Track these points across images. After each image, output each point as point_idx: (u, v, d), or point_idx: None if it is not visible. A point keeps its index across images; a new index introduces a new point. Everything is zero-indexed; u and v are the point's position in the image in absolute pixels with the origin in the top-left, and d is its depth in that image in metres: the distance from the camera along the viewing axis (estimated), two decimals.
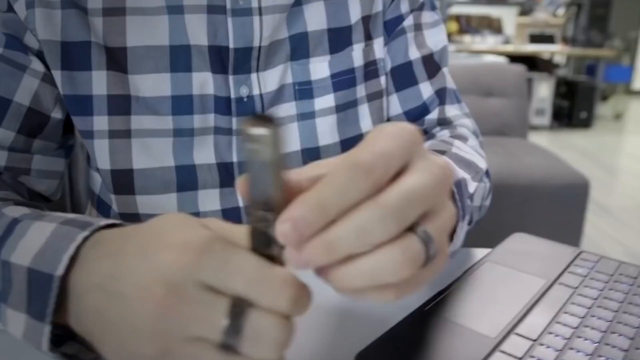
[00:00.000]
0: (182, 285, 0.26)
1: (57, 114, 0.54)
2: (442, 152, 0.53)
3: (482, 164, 0.57)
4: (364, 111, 0.60)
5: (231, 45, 0.53)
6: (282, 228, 0.24)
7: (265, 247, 0.26)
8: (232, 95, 0.54)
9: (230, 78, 0.54)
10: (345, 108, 0.59)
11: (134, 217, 0.56)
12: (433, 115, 0.63)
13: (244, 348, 0.25)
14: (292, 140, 0.57)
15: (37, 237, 0.34)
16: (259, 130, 0.23)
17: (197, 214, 0.56)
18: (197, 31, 0.52)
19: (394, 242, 0.25)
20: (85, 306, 0.29)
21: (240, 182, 0.27)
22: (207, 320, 0.25)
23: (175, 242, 0.27)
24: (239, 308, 0.25)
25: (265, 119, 0.24)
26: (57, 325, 0.32)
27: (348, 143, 0.59)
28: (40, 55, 0.51)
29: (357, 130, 0.60)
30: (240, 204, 0.56)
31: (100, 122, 0.53)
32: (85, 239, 0.32)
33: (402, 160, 0.26)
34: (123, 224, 0.34)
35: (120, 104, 0.53)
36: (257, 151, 0.24)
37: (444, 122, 0.63)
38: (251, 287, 0.25)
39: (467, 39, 5.25)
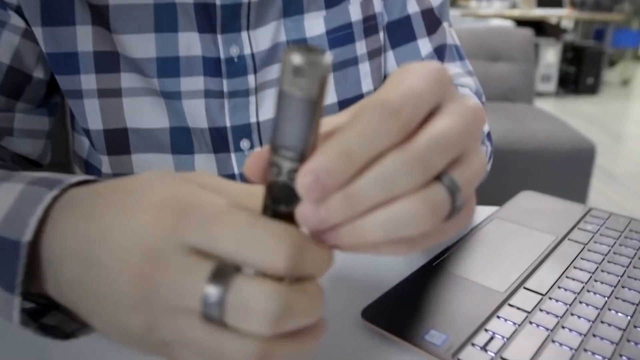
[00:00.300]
0: (162, 250, 0.23)
1: (39, 74, 0.51)
2: None
3: (484, 127, 0.55)
4: (365, 70, 0.57)
5: (218, 2, 0.49)
6: (304, 181, 0.21)
7: (287, 204, 0.23)
8: (222, 56, 0.51)
9: (219, 37, 0.51)
10: (343, 66, 0.56)
11: None
12: None
13: (229, 320, 0.22)
14: None
15: (3, 201, 0.30)
16: (306, 61, 0.20)
17: None
18: None
19: (418, 192, 0.22)
20: (64, 274, 0.26)
21: (248, 161, 0.24)
22: (186, 288, 0.22)
23: (154, 201, 0.24)
24: (224, 273, 0.22)
25: (311, 50, 0.21)
26: (37, 295, 0.29)
27: (347, 104, 0.56)
28: (19, 11, 0.48)
29: (357, 90, 0.57)
30: (236, 171, 0.55)
31: (88, 80, 0.50)
32: (55, 198, 0.28)
33: (432, 102, 0.23)
34: (97, 179, 0.30)
35: (109, 61, 0.50)
36: (300, 86, 0.21)
37: None
38: (240, 246, 0.22)
39: (473, 3, 5.14)
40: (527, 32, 2.44)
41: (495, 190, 1.61)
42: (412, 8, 0.58)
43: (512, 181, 1.88)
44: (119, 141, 0.53)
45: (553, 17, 5.10)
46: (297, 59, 0.21)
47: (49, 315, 0.30)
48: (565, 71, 5.02)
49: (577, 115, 4.23)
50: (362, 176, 0.22)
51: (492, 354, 0.32)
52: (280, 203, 0.24)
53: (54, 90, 0.55)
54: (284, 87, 0.21)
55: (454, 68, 0.61)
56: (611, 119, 4.18)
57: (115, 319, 0.24)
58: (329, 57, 0.21)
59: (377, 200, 0.22)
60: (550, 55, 4.75)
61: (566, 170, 1.92)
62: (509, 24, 3.00)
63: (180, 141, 0.53)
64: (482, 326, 0.35)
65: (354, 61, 0.56)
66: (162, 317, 0.23)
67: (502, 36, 2.43)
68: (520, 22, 4.11)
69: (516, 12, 4.83)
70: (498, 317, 0.36)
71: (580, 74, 4.93)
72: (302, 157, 0.22)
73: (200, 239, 0.23)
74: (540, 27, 4.85)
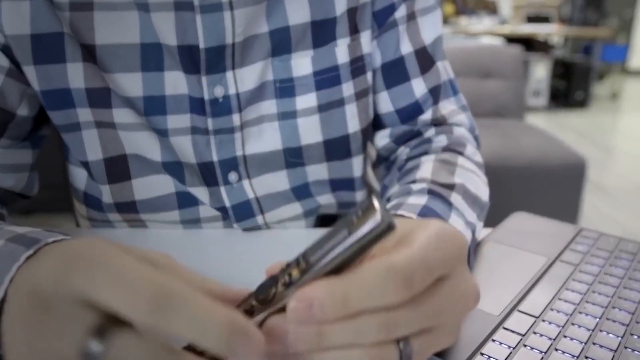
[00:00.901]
0: (50, 295, 0.23)
1: (23, 111, 0.51)
2: (451, 187, 0.48)
3: (485, 193, 0.53)
4: (352, 111, 0.56)
5: (202, 45, 0.49)
6: (297, 305, 0.23)
7: (264, 293, 0.26)
8: (206, 97, 0.51)
9: (203, 79, 0.50)
10: (329, 108, 0.55)
11: (130, 206, 0.55)
12: (427, 115, 0.59)
13: None
14: (273, 140, 0.55)
15: None
16: (384, 216, 0.23)
17: (195, 207, 0.56)
18: (165, 30, 0.49)
19: (373, 348, 0.24)
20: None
21: (271, 266, 0.27)
22: (68, 338, 0.23)
23: (59, 253, 0.25)
24: (106, 327, 0.22)
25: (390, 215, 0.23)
26: None
27: (332, 143, 0.56)
28: (5, 51, 0.48)
29: (343, 130, 0.56)
30: (227, 203, 0.55)
31: (85, 113, 0.50)
32: (29, 257, 0.29)
33: (441, 274, 0.26)
34: (69, 238, 0.31)
35: (101, 97, 0.50)
36: (357, 225, 0.23)
37: (438, 122, 0.60)
38: (113, 290, 0.22)
39: (463, 20, 5.22)
40: (517, 50, 2.48)
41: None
42: (406, 48, 0.57)
43: (504, 198, 1.90)
44: (119, 168, 0.53)
45: (542, 33, 5.19)
46: (377, 203, 0.23)
47: None
48: (555, 86, 5.09)
49: (568, 128, 4.28)
50: (340, 322, 0.24)
51: None
52: (262, 289, 0.26)
53: (41, 123, 0.54)
54: (350, 216, 0.24)
55: (449, 105, 0.60)
56: (601, 133, 4.23)
57: None
58: (393, 227, 0.23)
59: (339, 345, 0.24)
60: (540, 71, 4.82)
61: (558, 186, 1.94)
62: (499, 41, 3.05)
63: (175, 174, 0.54)
64: (477, 350, 0.36)
65: (340, 102, 0.55)
66: None
67: (491, 54, 2.47)
68: (510, 39, 4.18)
69: (506, 29, 4.90)
70: (493, 340, 0.37)
71: (570, 88, 5.00)
72: (304, 270, 0.24)
73: (85, 286, 0.23)
74: (530, 44, 4.93)
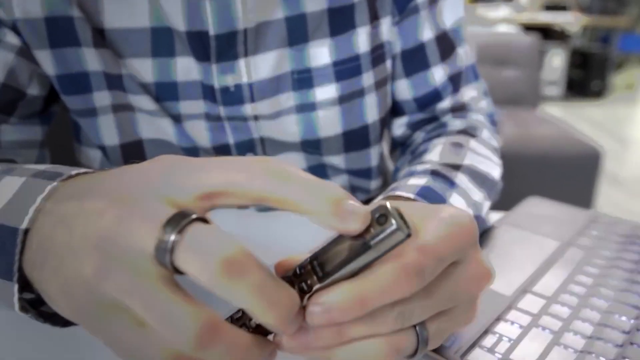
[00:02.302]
0: (113, 247, 0.23)
1: (33, 90, 0.50)
2: (457, 167, 0.48)
3: (497, 172, 0.53)
4: (372, 101, 0.55)
5: (211, 32, 0.47)
6: (315, 309, 0.24)
7: None
8: (216, 85, 0.50)
9: (214, 67, 0.49)
10: (349, 99, 0.53)
11: None
12: (445, 103, 0.58)
13: (178, 263, 0.22)
14: (291, 133, 0.54)
15: (5, 192, 0.31)
16: (399, 221, 0.23)
17: None
18: (174, 14, 0.47)
19: (391, 336, 0.25)
20: (40, 249, 0.27)
21: (279, 263, 0.27)
22: (144, 231, 0.23)
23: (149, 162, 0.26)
24: (183, 215, 0.23)
25: (405, 222, 0.24)
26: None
27: (351, 135, 0.56)
28: (15, 29, 0.47)
29: (362, 121, 0.55)
30: None
31: (102, 97, 0.50)
32: (54, 189, 0.29)
33: (453, 260, 0.26)
34: (99, 171, 0.31)
35: (118, 83, 0.50)
36: (380, 229, 0.23)
37: (458, 109, 0.59)
38: (225, 175, 0.26)
39: (479, 8, 5.15)
40: (533, 38, 2.45)
41: (502, 194, 1.61)
42: (427, 35, 0.55)
43: (518, 186, 1.88)
44: (135, 154, 0.53)
45: (559, 22, 5.10)
46: (395, 214, 0.23)
47: (47, 304, 0.31)
48: (572, 76, 5.01)
49: (584, 119, 4.22)
50: (358, 320, 0.24)
51: (499, 356, 0.33)
52: None
53: (52, 101, 0.54)
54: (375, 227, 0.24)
55: (471, 91, 0.59)
56: (618, 123, 4.17)
57: (69, 268, 0.24)
58: (410, 236, 0.23)
59: (358, 337, 0.25)
60: (557, 60, 4.74)
61: (572, 176, 1.92)
62: (515, 29, 3.01)
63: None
64: (489, 328, 0.36)
65: (360, 93, 0.54)
66: (114, 262, 0.23)
67: (507, 41, 2.44)
68: (527, 27, 4.12)
69: (523, 17, 4.83)
70: (505, 320, 0.37)
71: (587, 78, 4.92)
72: (320, 279, 0.24)
73: (182, 178, 0.25)
74: (547, 32, 4.86)
